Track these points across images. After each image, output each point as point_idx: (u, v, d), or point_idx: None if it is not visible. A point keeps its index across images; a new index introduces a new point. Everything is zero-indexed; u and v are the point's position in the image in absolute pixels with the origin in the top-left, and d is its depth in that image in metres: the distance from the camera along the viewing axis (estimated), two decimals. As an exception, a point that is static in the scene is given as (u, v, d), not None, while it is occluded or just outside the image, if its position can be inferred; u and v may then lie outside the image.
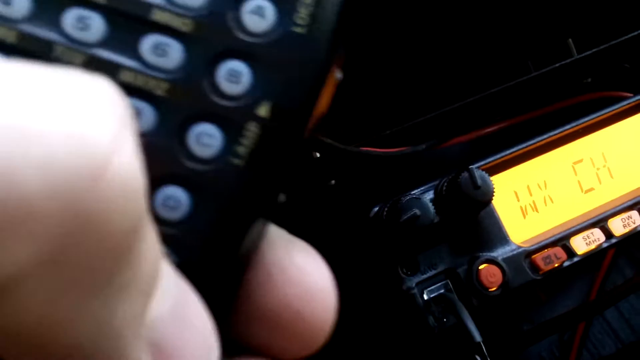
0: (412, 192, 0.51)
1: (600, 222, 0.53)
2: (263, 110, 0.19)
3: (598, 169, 0.56)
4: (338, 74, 0.20)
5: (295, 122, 0.19)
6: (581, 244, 0.52)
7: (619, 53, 0.63)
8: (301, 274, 0.19)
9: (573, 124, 0.55)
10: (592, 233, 0.53)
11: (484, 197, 0.50)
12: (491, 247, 0.52)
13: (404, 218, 0.48)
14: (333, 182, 0.58)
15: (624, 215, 0.54)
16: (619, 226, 0.53)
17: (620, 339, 0.79)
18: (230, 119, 0.19)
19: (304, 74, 0.19)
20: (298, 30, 0.19)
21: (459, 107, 0.60)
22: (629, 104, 0.57)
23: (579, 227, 0.53)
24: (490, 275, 0.50)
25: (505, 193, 0.53)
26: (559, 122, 0.57)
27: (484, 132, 0.60)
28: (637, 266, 0.77)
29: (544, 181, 0.54)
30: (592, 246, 0.53)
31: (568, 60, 0.62)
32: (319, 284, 0.19)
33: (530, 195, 0.54)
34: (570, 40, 0.64)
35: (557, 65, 0.61)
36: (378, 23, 0.64)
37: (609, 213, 0.54)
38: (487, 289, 0.50)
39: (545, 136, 0.55)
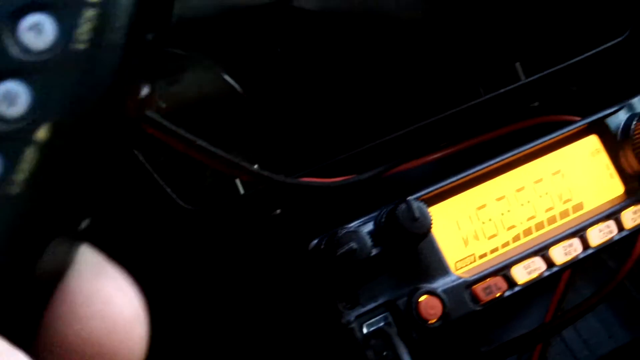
0: (351, 225, 0.50)
1: (541, 251, 0.53)
2: (43, 132, 0.18)
3: (540, 196, 0.55)
4: (144, 89, 0.19)
5: (78, 141, 0.18)
6: (522, 274, 0.52)
7: (566, 76, 0.63)
8: (107, 306, 0.18)
9: (516, 151, 0.55)
10: (533, 262, 0.53)
11: (421, 230, 0.49)
12: (432, 278, 0.51)
13: (340, 252, 0.48)
14: (278, 211, 0.57)
15: (566, 243, 0.54)
16: (560, 254, 0.53)
17: (579, 359, 0.79)
18: (7, 142, 0.18)
19: (85, 91, 0.18)
20: (80, 46, 0.18)
21: (406, 134, 0.59)
22: (574, 128, 0.57)
23: (519, 256, 0.53)
24: (430, 307, 0.50)
25: (447, 222, 0.53)
26: (505, 148, 0.57)
27: (431, 159, 0.59)
28: (594, 286, 0.77)
29: (486, 209, 0.54)
30: (533, 275, 0.53)
31: (515, 85, 0.61)
32: (125, 316, 0.18)
33: (472, 224, 0.54)
34: (517, 64, 0.63)
35: (502, 90, 0.61)
36: (323, 48, 0.64)
37: (550, 241, 0.54)
38: (426, 321, 0.49)
39: (488, 163, 0.54)
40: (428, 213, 0.49)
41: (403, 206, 0.49)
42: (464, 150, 0.61)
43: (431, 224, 0.49)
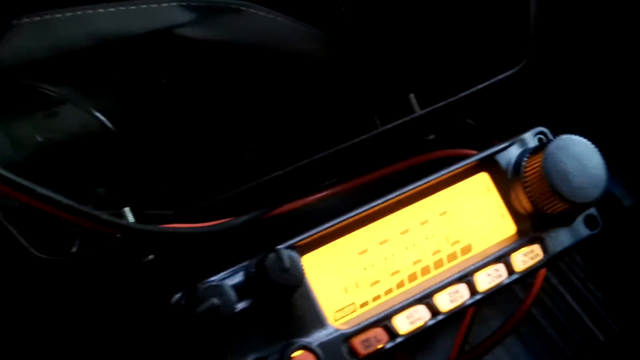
0: (215, 277, 0.46)
1: (425, 299, 0.50)
2: None
3: (427, 238, 0.52)
4: None
5: None
6: (404, 324, 0.49)
7: (461, 108, 0.60)
8: None
9: (400, 191, 0.52)
10: (416, 311, 0.50)
11: (292, 281, 0.46)
12: (307, 331, 0.48)
13: (200, 310, 0.44)
14: (151, 257, 0.53)
15: (451, 289, 0.51)
16: (445, 302, 0.50)
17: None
18: None
19: None
20: None
21: (290, 172, 0.56)
22: (462, 166, 0.54)
23: (402, 304, 0.50)
24: (303, 363, 0.46)
25: (325, 270, 0.50)
26: (393, 187, 0.53)
27: (314, 199, 0.56)
28: (502, 316, 0.74)
29: (368, 254, 0.51)
30: (417, 325, 0.49)
31: (407, 119, 0.58)
32: None
33: (353, 270, 0.50)
34: (412, 95, 0.60)
35: (391, 125, 0.58)
36: (206, 80, 0.60)
37: (435, 288, 0.50)
38: (299, 379, 0.45)
39: (370, 205, 0.51)
40: (299, 263, 0.46)
41: (272, 256, 0.45)
42: (351, 189, 0.57)
43: (303, 274, 0.46)
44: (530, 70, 0.60)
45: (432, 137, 0.61)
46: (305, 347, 0.47)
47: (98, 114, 0.56)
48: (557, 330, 0.78)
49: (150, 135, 0.58)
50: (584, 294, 0.80)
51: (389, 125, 0.56)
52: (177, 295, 0.46)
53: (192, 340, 0.45)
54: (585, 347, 0.77)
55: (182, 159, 0.60)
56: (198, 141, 0.61)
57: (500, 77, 0.59)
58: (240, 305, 0.46)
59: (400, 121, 0.57)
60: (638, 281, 0.76)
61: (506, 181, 0.54)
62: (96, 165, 0.56)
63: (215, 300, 0.44)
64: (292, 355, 0.46)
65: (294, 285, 0.46)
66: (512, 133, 0.57)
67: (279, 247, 0.46)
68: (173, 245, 0.51)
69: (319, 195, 0.56)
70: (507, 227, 0.54)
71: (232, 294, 0.45)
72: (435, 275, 0.52)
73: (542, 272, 0.56)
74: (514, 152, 0.54)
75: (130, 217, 0.51)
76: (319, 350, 0.47)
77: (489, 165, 0.54)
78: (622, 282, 0.78)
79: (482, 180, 0.54)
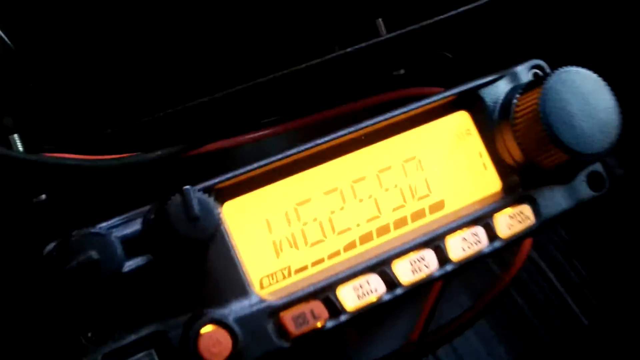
0: (102, 224, 0.34)
1: (380, 266, 0.39)
2: None
3: (387, 189, 0.41)
4: None
5: None
6: (351, 297, 0.38)
7: (436, 36, 0.49)
8: None
9: (354, 127, 0.40)
10: (367, 281, 0.38)
11: (201, 233, 0.34)
12: (222, 300, 0.37)
13: (72, 265, 0.32)
14: (43, 197, 0.42)
15: (415, 255, 0.39)
16: (405, 271, 0.39)
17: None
18: None
19: None
20: None
21: (218, 100, 0.45)
22: (437, 100, 0.42)
23: (350, 271, 0.38)
24: (214, 342, 0.35)
25: (252, 222, 0.39)
26: (345, 125, 0.41)
27: (249, 138, 0.44)
28: (474, 294, 0.63)
29: (310, 206, 0.39)
30: (368, 300, 0.38)
31: (373, 41, 0.48)
32: None
33: (289, 225, 0.39)
34: (379, 20, 0.50)
35: (355, 47, 0.46)
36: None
37: (394, 252, 0.39)
38: (207, 363, 0.34)
39: (316, 142, 0.39)
40: (214, 210, 0.34)
41: (176, 199, 0.33)
42: (297, 129, 0.45)
43: (217, 225, 0.34)
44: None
45: (402, 72, 0.52)
46: (218, 321, 0.36)
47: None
48: (536, 311, 0.70)
49: (55, 52, 0.46)
50: (568, 271, 0.72)
51: (347, 50, 0.44)
52: (51, 245, 0.34)
53: (61, 304, 0.33)
54: (567, 331, 0.69)
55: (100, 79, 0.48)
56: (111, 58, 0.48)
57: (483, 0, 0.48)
58: (132, 263, 0.35)
59: (361, 45, 0.45)
60: (627, 259, 0.68)
61: (491, 123, 0.44)
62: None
63: (93, 254, 0.32)
64: (200, 330, 0.34)
65: (204, 240, 0.34)
66: (494, 68, 0.45)
67: (186, 187, 0.33)
68: (62, 181, 0.39)
69: (255, 134, 0.45)
70: (490, 181, 0.44)
71: (117, 247, 0.33)
72: (395, 238, 0.41)
73: (528, 242, 0.45)
74: (502, 87, 0.44)
75: (19, 146, 0.42)
76: (235, 326, 0.36)
77: (471, 102, 0.44)
78: (610, 259, 0.70)
79: (461, 120, 0.43)
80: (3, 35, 0.45)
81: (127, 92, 0.49)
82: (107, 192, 0.43)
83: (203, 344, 0.35)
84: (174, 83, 0.48)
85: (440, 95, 0.42)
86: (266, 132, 0.45)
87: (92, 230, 0.34)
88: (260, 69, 0.47)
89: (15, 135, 0.43)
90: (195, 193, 0.35)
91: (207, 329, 0.36)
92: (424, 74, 0.52)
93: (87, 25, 0.48)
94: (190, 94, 0.45)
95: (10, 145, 0.43)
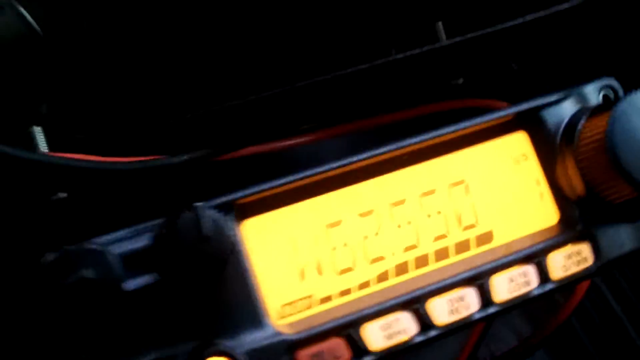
0: (105, 237, 0.31)
1: (414, 303, 0.34)
2: None
3: (429, 215, 0.36)
4: None
5: None
6: (377, 336, 0.34)
7: (500, 46, 0.46)
8: None
9: (396, 144, 0.35)
10: (397, 319, 0.34)
11: (213, 254, 0.30)
12: (233, 330, 0.34)
13: (69, 281, 0.28)
14: (62, 195, 0.39)
15: (454, 294, 0.35)
16: (442, 311, 0.34)
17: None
18: None
19: None
20: None
21: (253, 103, 0.42)
22: (493, 119, 0.38)
23: (379, 307, 0.34)
24: (221, 377, 0.31)
25: (273, 244, 0.35)
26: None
27: (287, 144, 0.40)
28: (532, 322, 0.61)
29: (342, 229, 0.36)
30: (397, 340, 0.34)
31: (430, 47, 0.44)
32: None
33: (316, 248, 0.35)
34: (439, 23, 0.46)
35: (410, 53, 0.43)
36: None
37: (430, 289, 0.34)
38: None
39: (353, 159, 0.35)
40: (228, 229, 0.31)
41: (187, 216, 0.29)
42: (341, 137, 0.42)
43: (231, 246, 0.30)
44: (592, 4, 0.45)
45: (460, 81, 0.47)
46: (227, 354, 0.32)
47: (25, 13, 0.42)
48: (592, 338, 0.66)
49: (85, 42, 0.44)
50: (631, 297, 0.67)
51: (401, 55, 0.40)
52: (51, 255, 0.31)
53: (56, 319, 0.30)
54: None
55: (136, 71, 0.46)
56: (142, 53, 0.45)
57: (553, 9, 0.44)
58: (136, 281, 0.31)
59: (417, 50, 0.41)
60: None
61: (552, 148, 0.39)
62: (25, 77, 0.42)
63: (88, 273, 0.28)
64: (207, 361, 0.31)
65: (217, 261, 0.30)
66: (566, 85, 0.40)
67: (198, 204, 0.30)
68: (83, 182, 0.38)
69: (294, 140, 0.41)
70: (546, 213, 0.40)
71: (116, 265, 0.30)
72: (434, 271, 0.37)
73: (585, 284, 0.39)
74: (567, 108, 0.39)
75: (42, 139, 0.39)
76: (245, 360, 0.31)
77: (530, 123, 0.40)
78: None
79: (519, 143, 0.39)
80: (32, 20, 0.43)
81: (159, 90, 0.46)
82: (127, 196, 0.40)
83: (208, 378, 0.32)
84: (216, 83, 0.45)
85: (496, 114, 0.38)
86: (305, 138, 0.41)
87: (91, 244, 0.30)
88: (308, 71, 0.43)
89: (38, 128, 0.40)
90: (207, 210, 0.31)
91: (213, 360, 0.32)
92: (484, 85, 0.48)
93: (119, 15, 0.46)
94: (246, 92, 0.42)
95: (32, 139, 0.40)
